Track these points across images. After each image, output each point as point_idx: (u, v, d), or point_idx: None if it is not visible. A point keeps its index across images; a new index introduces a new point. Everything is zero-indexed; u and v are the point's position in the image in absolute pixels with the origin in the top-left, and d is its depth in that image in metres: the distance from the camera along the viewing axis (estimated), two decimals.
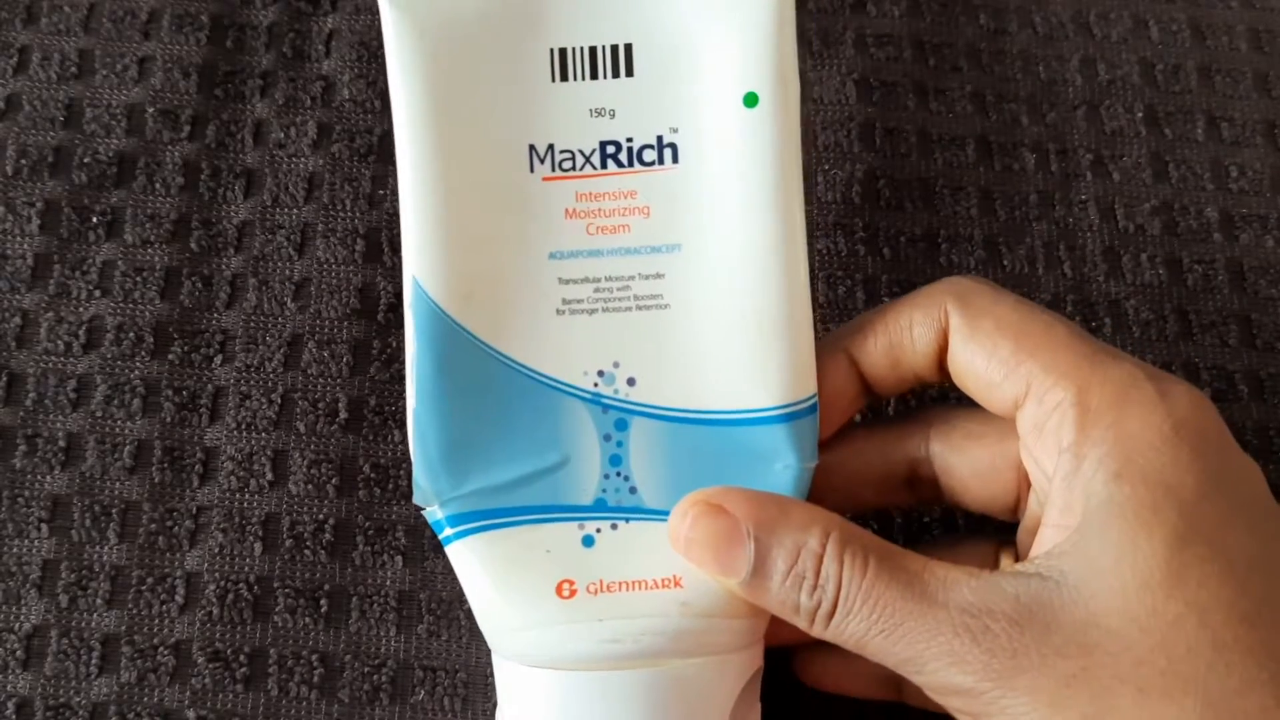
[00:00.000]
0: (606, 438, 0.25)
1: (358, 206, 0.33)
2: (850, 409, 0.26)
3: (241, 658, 0.28)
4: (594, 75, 0.25)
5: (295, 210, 0.33)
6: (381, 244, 0.33)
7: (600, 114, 0.25)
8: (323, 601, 0.29)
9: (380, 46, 0.35)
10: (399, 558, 0.29)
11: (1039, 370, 0.23)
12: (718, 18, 0.25)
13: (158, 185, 0.33)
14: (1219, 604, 0.20)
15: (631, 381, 0.25)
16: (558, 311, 0.25)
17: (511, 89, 0.25)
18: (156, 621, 0.28)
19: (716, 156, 0.25)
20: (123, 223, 0.33)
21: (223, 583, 0.29)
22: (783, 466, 0.24)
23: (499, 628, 0.24)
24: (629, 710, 0.23)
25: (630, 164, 0.26)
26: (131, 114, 0.34)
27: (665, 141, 0.26)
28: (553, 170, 0.25)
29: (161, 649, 0.28)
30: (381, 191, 0.33)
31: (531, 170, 0.25)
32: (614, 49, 0.26)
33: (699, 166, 0.25)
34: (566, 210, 0.25)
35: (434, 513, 0.24)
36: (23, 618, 0.28)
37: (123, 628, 0.28)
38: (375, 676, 0.28)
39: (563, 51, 0.25)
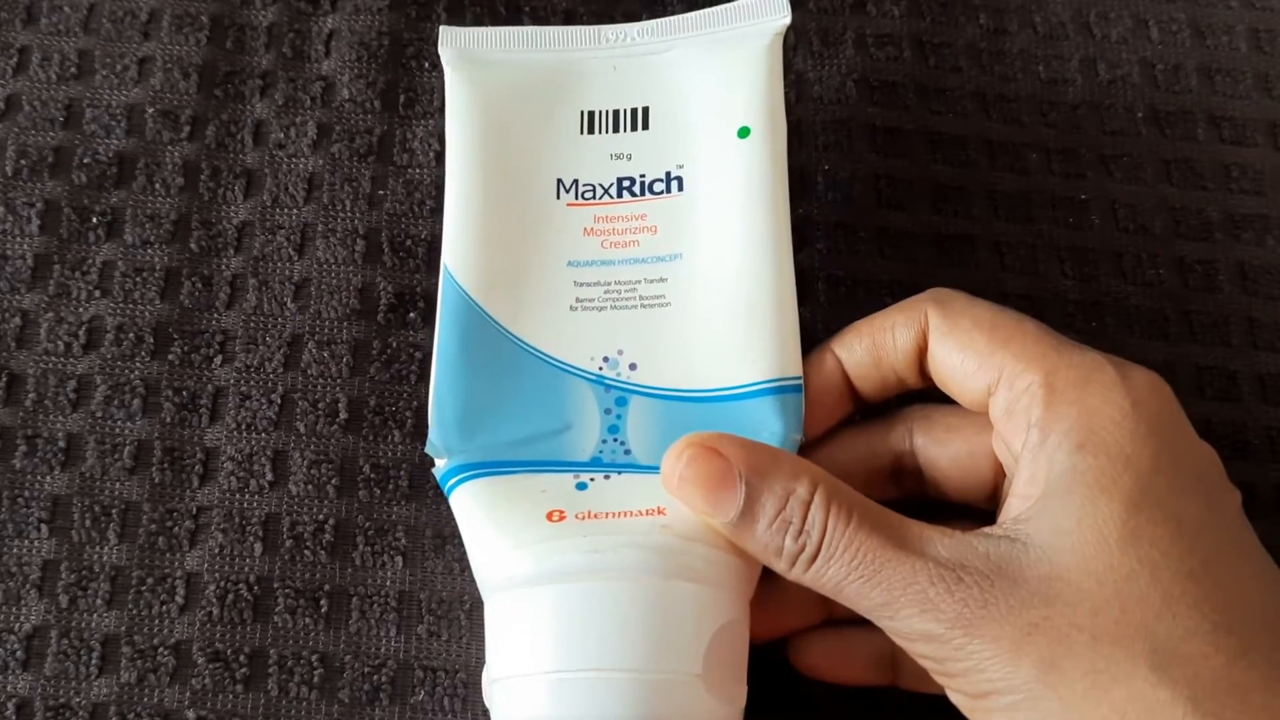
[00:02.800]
0: (607, 411, 0.27)
1: (358, 207, 0.33)
2: (836, 409, 0.28)
3: (241, 658, 0.28)
4: (616, 130, 0.30)
5: (295, 210, 0.33)
6: (381, 244, 0.33)
7: (619, 157, 0.30)
8: (323, 602, 0.29)
9: (380, 47, 0.35)
10: (399, 558, 0.29)
11: (1010, 359, 0.24)
12: (719, 68, 0.30)
13: (158, 185, 0.33)
14: (1169, 561, 0.22)
15: (633, 366, 0.28)
16: (571, 308, 0.28)
17: (545, 137, 0.30)
18: (156, 622, 0.28)
19: (716, 180, 0.29)
20: (123, 223, 0.33)
21: (223, 583, 0.29)
22: (768, 435, 0.26)
23: (491, 554, 0.25)
24: (608, 625, 0.24)
25: (642, 194, 0.30)
26: (131, 114, 0.34)
27: (673, 176, 0.30)
28: (576, 198, 0.30)
29: (161, 649, 0.28)
30: (381, 192, 0.33)
31: (558, 197, 0.29)
32: (634, 111, 0.30)
33: (701, 190, 0.29)
34: (585, 229, 0.29)
35: (442, 466, 0.27)
36: (23, 618, 0.28)
37: (123, 628, 0.28)
38: (375, 677, 0.28)
39: (591, 113, 0.30)
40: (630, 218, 0.29)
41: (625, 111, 0.30)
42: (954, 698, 0.23)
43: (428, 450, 0.27)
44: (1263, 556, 0.23)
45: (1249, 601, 0.22)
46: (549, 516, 0.25)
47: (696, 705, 0.23)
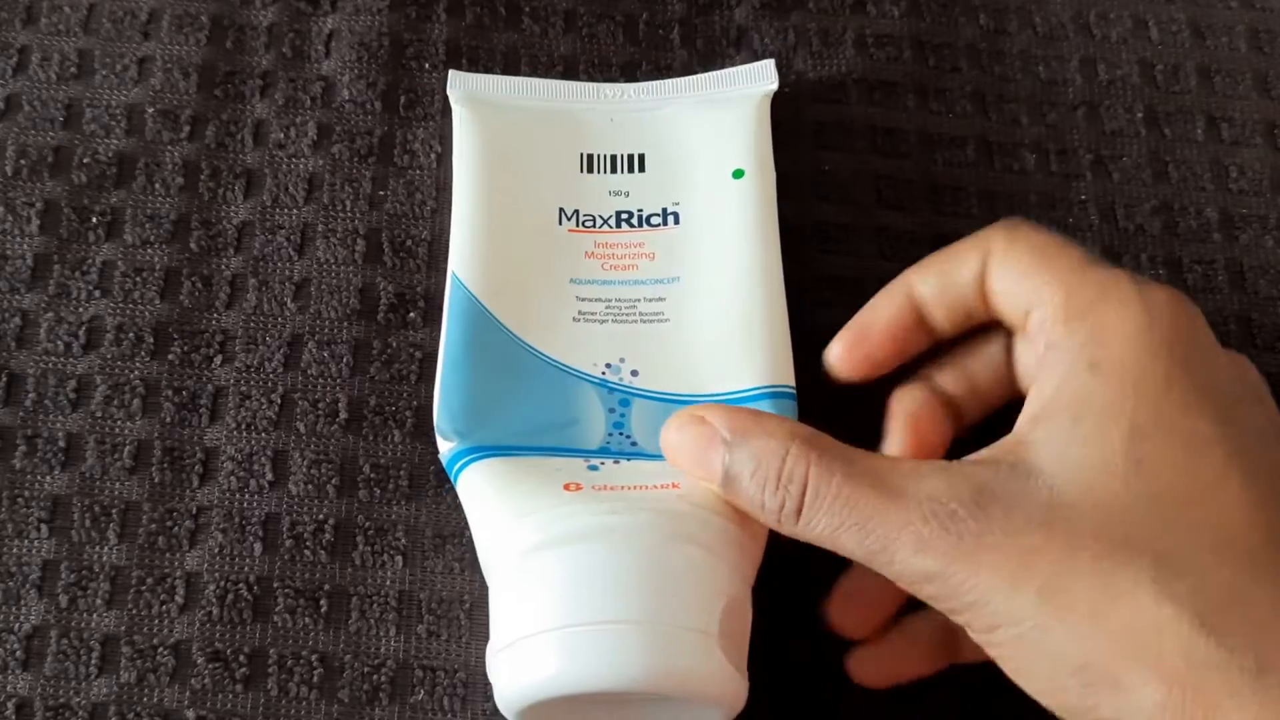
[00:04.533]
0: (611, 410, 0.28)
1: (358, 207, 0.33)
2: (905, 338, 0.28)
3: (241, 658, 0.28)
4: (614, 170, 0.32)
5: (295, 211, 0.33)
6: (382, 244, 0.33)
7: (617, 194, 0.31)
8: (323, 601, 0.29)
9: (380, 47, 0.35)
10: (399, 558, 0.29)
11: (1044, 280, 0.25)
12: (713, 122, 0.32)
13: (157, 185, 0.33)
14: (1171, 490, 0.22)
15: (635, 373, 0.29)
16: (574, 320, 0.30)
17: (547, 171, 0.32)
18: (156, 622, 0.28)
19: (712, 215, 0.31)
20: (122, 223, 0.33)
21: (223, 583, 0.29)
22: None
23: (505, 526, 0.25)
24: (623, 580, 0.24)
25: (640, 225, 0.31)
26: (131, 114, 0.34)
27: (669, 211, 0.31)
28: (576, 225, 0.31)
29: (161, 649, 0.28)
30: (382, 192, 0.33)
31: (560, 224, 0.31)
32: (630, 156, 0.32)
33: (696, 224, 0.31)
34: (586, 252, 0.31)
35: (451, 448, 0.27)
36: (22, 618, 0.28)
37: (122, 628, 0.28)
38: (375, 676, 0.28)
39: (590, 155, 0.32)
40: (629, 245, 0.31)
41: (622, 156, 0.32)
42: (972, 635, 0.23)
43: (436, 432, 0.27)
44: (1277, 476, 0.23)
45: (1254, 520, 0.22)
46: (566, 487, 0.26)
47: (711, 663, 0.23)
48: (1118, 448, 0.22)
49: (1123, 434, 0.22)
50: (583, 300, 0.30)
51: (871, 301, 0.28)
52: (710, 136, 0.32)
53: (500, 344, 0.29)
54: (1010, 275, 0.26)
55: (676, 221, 0.31)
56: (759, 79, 0.33)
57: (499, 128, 0.32)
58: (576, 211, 0.31)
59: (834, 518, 0.23)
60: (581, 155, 0.32)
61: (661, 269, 0.30)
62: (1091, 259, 0.25)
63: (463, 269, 0.30)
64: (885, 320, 0.27)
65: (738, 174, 0.31)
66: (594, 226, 0.31)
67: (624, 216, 0.31)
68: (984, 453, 0.24)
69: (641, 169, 0.32)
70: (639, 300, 0.30)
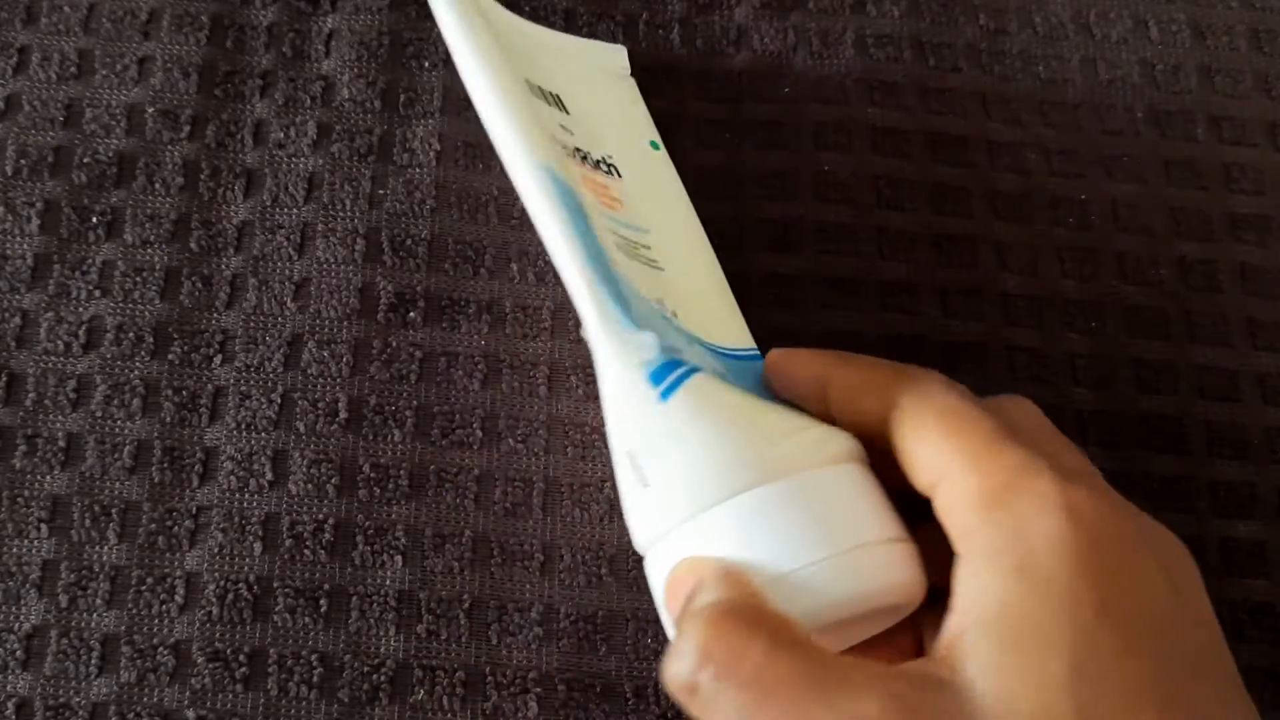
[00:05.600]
0: (691, 343, 0.26)
1: (358, 206, 0.33)
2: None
3: (241, 658, 0.28)
4: (550, 105, 0.30)
5: (295, 210, 0.33)
6: (381, 243, 0.33)
7: (565, 130, 0.30)
8: (322, 601, 0.29)
9: (380, 46, 0.35)
10: (399, 558, 0.29)
11: (951, 454, 0.23)
12: (608, 88, 0.33)
13: (158, 185, 0.33)
14: None
15: (674, 314, 0.27)
16: (617, 246, 0.27)
17: (527, 95, 0.29)
18: (156, 621, 0.28)
19: (647, 181, 0.31)
20: (123, 223, 0.33)
21: (223, 583, 0.29)
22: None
23: (758, 444, 0.23)
24: (861, 510, 0.23)
25: (595, 168, 0.30)
26: (131, 114, 0.34)
27: (608, 163, 0.31)
28: (569, 154, 0.29)
29: (161, 649, 0.28)
30: (381, 191, 0.33)
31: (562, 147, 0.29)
32: (553, 94, 0.31)
33: (636, 186, 0.31)
34: (584, 178, 0.29)
35: (655, 360, 0.24)
36: (23, 618, 0.28)
37: (123, 628, 0.28)
38: (375, 676, 0.28)
39: (529, 83, 0.30)
40: (602, 185, 0.29)
41: (549, 92, 0.30)
42: None
43: (624, 330, 0.24)
44: (1228, 692, 0.21)
45: None
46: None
47: (917, 566, 0.23)
48: (1057, 689, 0.20)
49: (1064, 673, 0.20)
50: (609, 232, 0.28)
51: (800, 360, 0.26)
52: (612, 104, 0.33)
53: (600, 253, 0.26)
54: (916, 440, 0.23)
55: (619, 174, 0.30)
56: (614, 60, 0.34)
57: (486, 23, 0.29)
58: (559, 140, 0.29)
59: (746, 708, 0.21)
60: (529, 82, 0.30)
61: (633, 217, 0.29)
62: (1002, 433, 0.23)
63: (552, 162, 0.26)
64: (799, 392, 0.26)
65: (655, 146, 0.32)
66: (573, 157, 0.29)
67: (580, 155, 0.29)
68: (919, 663, 0.21)
69: (566, 110, 0.30)
70: (637, 244, 0.29)
